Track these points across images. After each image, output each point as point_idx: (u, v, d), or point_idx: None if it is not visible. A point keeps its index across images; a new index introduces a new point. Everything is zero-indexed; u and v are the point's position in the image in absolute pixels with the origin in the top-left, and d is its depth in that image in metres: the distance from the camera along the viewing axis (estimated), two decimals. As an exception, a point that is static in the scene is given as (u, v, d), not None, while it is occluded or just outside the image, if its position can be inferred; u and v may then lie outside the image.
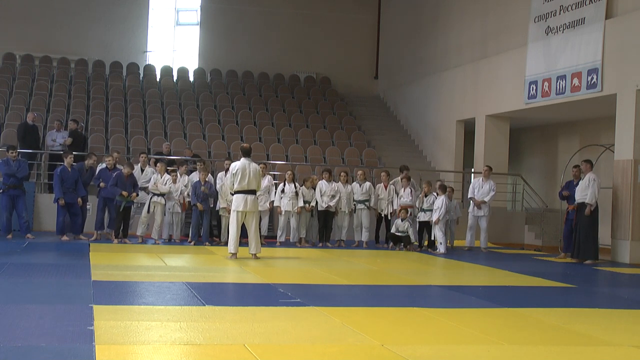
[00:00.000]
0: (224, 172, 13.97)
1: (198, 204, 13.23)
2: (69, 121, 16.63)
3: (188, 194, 13.57)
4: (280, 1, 24.40)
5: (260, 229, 11.21)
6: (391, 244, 14.09)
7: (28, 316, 5.90)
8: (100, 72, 21.88)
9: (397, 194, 14.71)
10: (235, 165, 10.97)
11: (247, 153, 11.07)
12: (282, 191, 13.77)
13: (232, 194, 11.16)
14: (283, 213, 13.88)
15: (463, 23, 19.49)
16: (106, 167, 13.49)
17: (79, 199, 13.20)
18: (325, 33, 24.61)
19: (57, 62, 21.95)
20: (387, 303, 7.50)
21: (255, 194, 11.12)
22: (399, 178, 15.14)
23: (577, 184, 12.97)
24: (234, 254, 10.86)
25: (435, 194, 14.14)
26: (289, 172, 14.19)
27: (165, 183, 13.37)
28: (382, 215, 14.71)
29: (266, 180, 13.69)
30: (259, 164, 11.76)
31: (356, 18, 24.93)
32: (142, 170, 14.05)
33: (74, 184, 13.19)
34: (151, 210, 13.26)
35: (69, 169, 13.22)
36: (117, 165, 13.60)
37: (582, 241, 12.66)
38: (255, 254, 10.93)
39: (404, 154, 20.23)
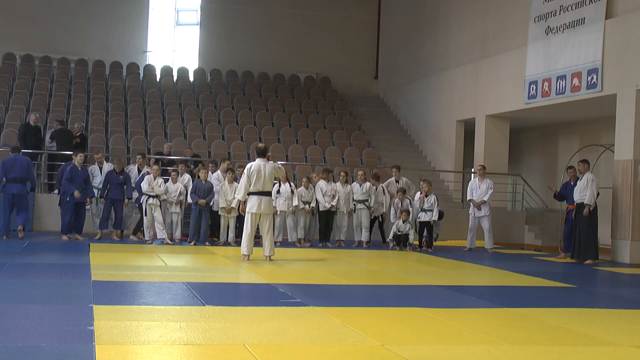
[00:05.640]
0: (222, 172, 14.01)
1: (200, 201, 13.24)
2: (54, 121, 16.47)
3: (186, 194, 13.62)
4: (280, 1, 24.41)
5: (257, 229, 11.15)
6: (392, 244, 14.08)
7: (28, 316, 5.90)
8: (100, 72, 21.89)
9: (391, 195, 14.79)
10: (251, 166, 10.81)
11: (262, 153, 10.89)
12: (278, 192, 13.71)
13: (241, 198, 10.95)
14: (279, 213, 13.83)
15: (463, 23, 19.49)
16: (114, 169, 13.52)
17: (88, 199, 13.31)
18: (325, 33, 24.61)
19: (57, 62, 21.96)
20: (387, 303, 7.50)
21: (271, 195, 11.00)
22: (393, 179, 15.19)
23: (575, 184, 12.96)
24: (247, 256, 10.77)
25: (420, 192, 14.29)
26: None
27: (160, 185, 13.37)
28: (380, 217, 14.84)
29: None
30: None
31: (356, 18, 24.94)
32: (140, 171, 14.10)
33: (83, 183, 13.21)
34: (149, 212, 13.25)
35: (79, 168, 13.24)
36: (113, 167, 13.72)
37: (582, 241, 12.65)
38: (269, 256, 10.87)
39: (404, 154, 20.24)
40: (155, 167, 13.41)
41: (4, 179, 12.93)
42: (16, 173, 12.90)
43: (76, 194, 12.93)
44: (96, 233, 13.62)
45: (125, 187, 13.44)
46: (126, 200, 13.50)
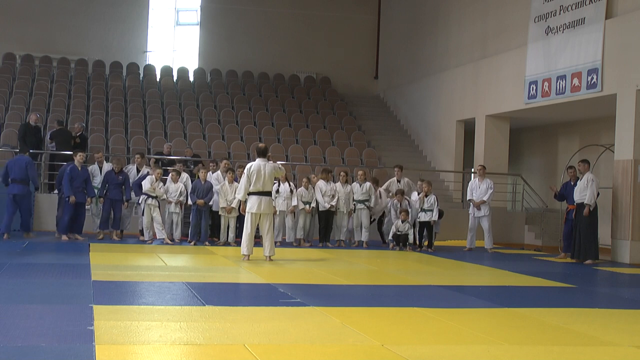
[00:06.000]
0: (222, 172, 14.02)
1: (199, 201, 13.25)
2: (54, 121, 16.57)
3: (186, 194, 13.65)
4: (280, 1, 24.41)
5: (257, 229, 11.15)
6: (392, 244, 14.09)
7: (28, 316, 5.90)
8: (100, 72, 21.89)
9: (391, 195, 14.84)
10: (251, 166, 10.81)
11: (262, 153, 10.88)
12: (277, 191, 13.72)
13: (241, 198, 10.95)
14: (278, 213, 13.83)
15: (463, 23, 19.49)
16: (112, 169, 13.54)
17: (88, 199, 13.33)
18: (325, 33, 24.61)
19: (57, 62, 21.96)
20: (387, 303, 7.50)
21: (271, 195, 11.02)
22: (394, 179, 15.19)
23: (575, 184, 12.96)
24: (247, 256, 10.77)
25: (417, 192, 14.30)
26: None
27: (161, 187, 13.39)
28: (378, 220, 14.91)
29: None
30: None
31: (356, 18, 24.94)
32: (139, 171, 14.10)
33: (83, 183, 13.23)
34: (147, 212, 13.26)
35: (79, 168, 13.25)
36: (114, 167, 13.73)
37: (582, 241, 12.65)
38: (269, 257, 10.87)
39: (404, 154, 20.23)
40: (158, 170, 13.41)
41: (9, 179, 13.05)
42: (15, 174, 13.02)
43: (71, 199, 12.95)
44: (96, 233, 13.65)
45: (124, 187, 13.46)
46: (126, 203, 13.50)
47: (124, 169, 13.94)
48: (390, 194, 14.91)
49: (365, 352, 5.18)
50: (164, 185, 13.54)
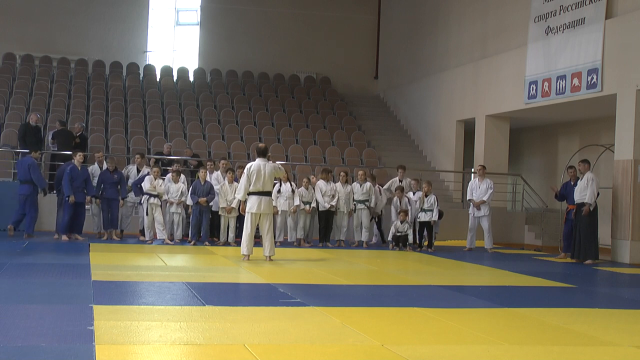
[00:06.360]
0: (222, 172, 14.02)
1: (201, 199, 13.24)
2: (56, 121, 16.62)
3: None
4: (280, 1, 24.41)
5: (257, 229, 11.15)
6: (391, 244, 14.09)
7: (28, 316, 5.90)
8: (100, 72, 21.89)
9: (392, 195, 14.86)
10: (251, 166, 10.81)
11: (262, 153, 10.88)
12: (278, 191, 13.73)
13: (241, 197, 10.94)
14: (280, 213, 13.84)
15: (463, 23, 19.49)
16: (107, 168, 13.54)
17: (88, 198, 13.36)
18: (325, 33, 24.61)
19: (57, 62, 21.96)
20: (387, 303, 7.50)
21: (271, 195, 11.01)
22: (397, 179, 15.18)
23: (575, 184, 12.96)
24: (247, 256, 10.76)
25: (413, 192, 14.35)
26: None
27: (161, 185, 13.40)
28: (377, 218, 14.92)
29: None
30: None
31: (356, 18, 24.94)
32: (139, 171, 14.11)
33: (83, 182, 13.25)
34: (149, 212, 13.26)
35: (79, 168, 13.27)
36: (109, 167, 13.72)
37: (582, 241, 12.65)
38: (269, 256, 10.87)
39: (404, 154, 20.23)
40: (155, 169, 13.41)
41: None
42: (20, 174, 13.36)
43: (71, 199, 12.97)
44: (95, 233, 13.66)
45: (119, 186, 13.47)
46: (122, 202, 13.49)
47: (124, 169, 13.95)
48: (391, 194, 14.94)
49: (365, 352, 5.18)
50: (163, 182, 13.53)
